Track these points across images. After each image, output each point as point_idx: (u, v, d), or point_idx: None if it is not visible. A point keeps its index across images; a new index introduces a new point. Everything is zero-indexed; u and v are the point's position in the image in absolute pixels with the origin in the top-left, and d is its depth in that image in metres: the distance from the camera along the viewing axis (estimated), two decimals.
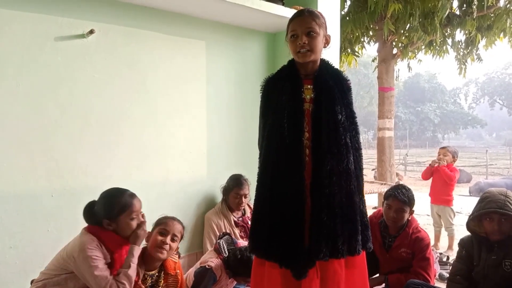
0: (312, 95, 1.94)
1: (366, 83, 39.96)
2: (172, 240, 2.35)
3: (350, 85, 2.07)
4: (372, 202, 7.40)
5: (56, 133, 2.73)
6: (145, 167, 3.17)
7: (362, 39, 7.70)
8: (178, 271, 2.45)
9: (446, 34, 7.24)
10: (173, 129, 3.33)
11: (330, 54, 3.41)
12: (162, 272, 2.40)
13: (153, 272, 2.37)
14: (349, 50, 7.57)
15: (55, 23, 2.70)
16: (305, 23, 1.91)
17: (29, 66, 2.61)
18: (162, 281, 2.39)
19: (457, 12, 7.00)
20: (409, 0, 6.22)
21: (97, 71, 2.90)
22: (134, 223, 2.19)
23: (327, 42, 2.02)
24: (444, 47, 7.45)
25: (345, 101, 1.96)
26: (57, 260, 2.13)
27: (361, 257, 1.98)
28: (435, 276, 3.36)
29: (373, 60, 8.83)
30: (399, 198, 2.94)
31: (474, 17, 6.47)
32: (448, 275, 2.86)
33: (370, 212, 3.65)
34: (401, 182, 6.16)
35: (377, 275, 3.08)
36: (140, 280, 2.27)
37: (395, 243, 3.00)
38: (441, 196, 4.97)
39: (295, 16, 1.97)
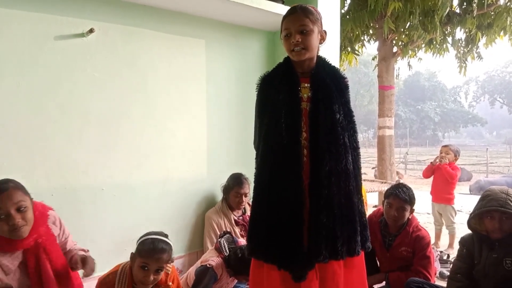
0: (309, 94, 1.90)
1: (366, 81, 39.96)
2: (156, 272, 2.16)
3: (348, 83, 2.02)
4: (372, 200, 7.40)
5: (56, 133, 2.73)
6: (145, 166, 3.17)
7: (362, 38, 7.70)
8: (170, 283, 2.31)
9: (446, 32, 7.23)
10: (173, 128, 3.32)
11: (330, 52, 3.44)
12: (154, 285, 2.27)
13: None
14: (349, 49, 7.57)
15: (55, 22, 2.70)
16: (298, 21, 1.86)
17: (29, 65, 2.61)
18: None
19: (457, 10, 6.99)
20: None
21: (97, 70, 2.89)
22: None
23: (322, 38, 1.97)
24: (444, 45, 7.44)
25: (342, 99, 1.93)
26: None
27: (360, 257, 1.96)
28: (435, 274, 3.36)
29: (373, 59, 8.82)
30: (400, 196, 2.94)
31: (474, 15, 6.46)
32: (448, 273, 2.86)
33: (370, 210, 3.66)
34: (401, 181, 6.16)
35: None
36: None
37: (395, 241, 3.00)
38: (443, 194, 4.97)
39: (288, 14, 1.92)
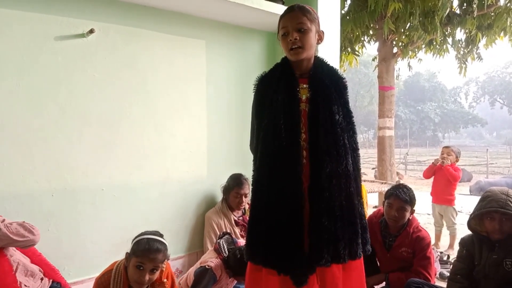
0: (308, 95, 1.88)
1: (366, 82, 39.96)
2: (152, 272, 2.17)
3: (346, 83, 1.99)
4: (372, 201, 7.40)
5: (56, 133, 2.72)
6: (145, 166, 3.16)
7: (362, 38, 7.70)
8: (165, 280, 2.32)
9: (446, 33, 7.24)
10: (173, 129, 3.32)
11: (331, 53, 3.43)
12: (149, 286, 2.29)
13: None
14: (349, 49, 7.57)
15: (55, 22, 2.70)
16: (295, 19, 1.84)
17: (29, 66, 2.61)
18: None
19: (458, 11, 7.00)
20: None
21: (97, 71, 2.89)
22: None
23: (320, 38, 1.94)
24: (445, 46, 7.45)
25: (341, 100, 1.90)
26: None
27: (359, 260, 1.93)
28: (435, 275, 3.36)
29: (373, 59, 8.83)
30: (400, 197, 2.94)
31: (475, 16, 6.46)
32: (448, 274, 2.86)
33: (370, 211, 3.66)
34: (401, 181, 6.17)
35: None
36: None
37: (395, 242, 2.99)
38: (444, 195, 4.97)
39: (285, 13, 1.90)
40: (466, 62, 7.84)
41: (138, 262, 2.13)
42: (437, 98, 45.20)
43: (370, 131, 45.86)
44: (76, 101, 2.81)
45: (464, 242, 2.62)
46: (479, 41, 7.22)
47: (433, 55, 7.62)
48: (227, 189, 3.45)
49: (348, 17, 6.80)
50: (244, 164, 3.59)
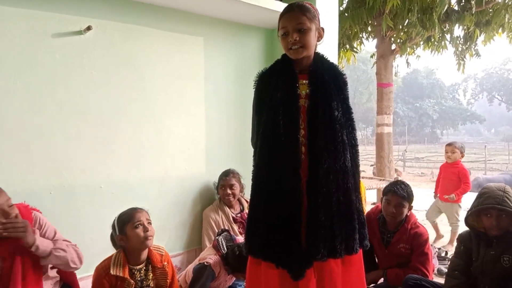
0: (307, 91, 1.89)
1: (364, 79, 39.94)
2: (149, 224, 2.37)
3: (346, 79, 2.01)
4: (371, 198, 7.41)
5: (54, 131, 2.72)
6: (143, 164, 3.16)
7: (360, 35, 7.69)
8: (165, 263, 2.44)
9: (444, 29, 7.23)
10: (171, 126, 3.32)
11: (329, 50, 3.43)
12: (150, 266, 2.39)
13: (140, 266, 2.37)
14: (347, 46, 7.57)
15: (52, 19, 2.69)
16: (295, 19, 1.84)
17: (26, 63, 2.60)
18: (151, 274, 2.39)
19: (456, 8, 6.99)
20: None
21: (94, 68, 2.89)
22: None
23: (320, 35, 1.95)
24: (443, 42, 7.45)
25: (341, 96, 1.92)
26: None
27: (358, 255, 1.96)
28: (433, 271, 3.37)
29: (371, 56, 8.82)
30: (398, 193, 2.95)
31: (473, 12, 6.46)
32: (446, 270, 2.87)
33: (368, 208, 3.67)
34: (399, 178, 6.18)
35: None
36: (128, 275, 2.27)
37: (393, 238, 3.01)
38: (451, 193, 4.93)
39: (284, 12, 1.90)
40: (465, 59, 7.84)
41: (135, 223, 2.31)
42: (435, 95, 45.17)
43: (368, 128, 45.86)
44: (74, 98, 2.80)
45: (462, 238, 2.63)
46: (477, 37, 7.23)
47: (431, 51, 7.62)
48: (217, 185, 3.47)
49: (346, 14, 6.80)
50: (242, 161, 3.59)
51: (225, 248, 2.84)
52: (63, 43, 2.74)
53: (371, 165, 12.79)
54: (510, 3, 6.52)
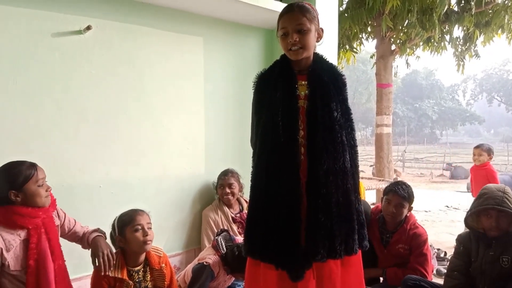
0: (306, 92, 1.89)
1: (364, 79, 39.98)
2: (150, 229, 2.35)
3: (345, 80, 2.01)
4: (370, 198, 7.42)
5: (52, 130, 2.72)
6: (142, 163, 3.16)
7: (360, 36, 7.69)
8: (163, 265, 2.43)
9: (444, 30, 7.23)
10: (170, 126, 3.32)
11: (328, 50, 3.43)
12: (147, 267, 2.39)
13: (138, 267, 2.36)
14: (347, 47, 7.57)
15: (52, 19, 2.69)
16: (295, 20, 1.84)
17: (25, 62, 2.60)
18: (149, 276, 2.39)
19: (455, 8, 6.99)
20: None
21: (94, 68, 2.89)
22: (42, 190, 2.10)
23: (319, 36, 1.95)
24: (442, 43, 7.45)
25: (340, 97, 1.91)
26: None
27: (357, 256, 1.95)
28: (432, 271, 3.37)
29: (371, 57, 8.82)
30: (399, 193, 2.95)
31: (472, 13, 6.47)
32: (445, 271, 2.87)
33: None
34: (399, 179, 6.18)
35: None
36: (126, 277, 2.27)
37: (392, 238, 3.01)
38: None
39: (284, 12, 1.90)
40: (464, 60, 7.84)
41: (134, 226, 2.30)
42: (435, 95, 45.20)
43: (368, 128, 45.92)
44: (73, 97, 2.80)
45: (461, 239, 2.63)
46: (477, 38, 7.23)
47: (431, 52, 7.63)
48: (216, 184, 3.47)
49: (346, 14, 6.80)
50: (242, 161, 3.59)
51: (225, 248, 2.84)
52: (62, 43, 2.74)
53: (371, 166, 12.81)
54: (509, 4, 6.53)
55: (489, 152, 4.94)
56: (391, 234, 3.03)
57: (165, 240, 3.28)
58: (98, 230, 2.42)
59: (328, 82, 1.90)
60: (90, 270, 2.38)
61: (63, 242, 2.29)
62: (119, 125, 3.03)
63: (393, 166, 8.43)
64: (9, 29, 2.53)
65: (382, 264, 3.08)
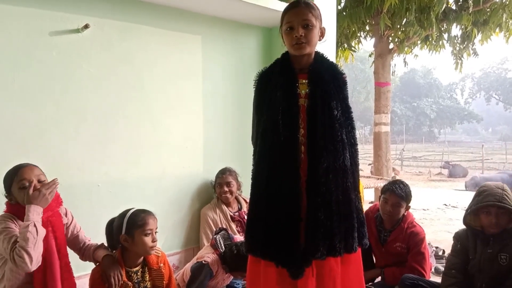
0: (307, 90, 1.90)
1: (362, 78, 39.95)
2: (156, 233, 2.36)
3: (346, 79, 2.02)
4: (368, 196, 7.43)
5: (51, 129, 2.71)
6: (141, 162, 3.16)
7: (358, 34, 7.71)
8: (162, 264, 2.43)
9: (442, 29, 7.25)
10: (169, 125, 3.32)
11: (327, 49, 3.42)
12: (146, 267, 2.38)
13: (136, 268, 2.35)
14: (345, 45, 7.58)
15: (50, 17, 2.68)
16: (302, 15, 1.85)
17: (23, 61, 2.59)
18: (148, 276, 2.38)
19: (453, 7, 7.00)
20: None
21: (92, 66, 2.88)
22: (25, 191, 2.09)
23: (322, 34, 1.96)
24: (440, 42, 7.47)
25: (340, 95, 1.92)
26: None
27: (357, 254, 1.96)
28: (430, 270, 3.37)
29: (369, 55, 8.83)
30: (396, 192, 2.95)
31: (470, 11, 6.48)
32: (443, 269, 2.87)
33: (366, 207, 3.67)
34: (397, 177, 6.18)
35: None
36: (125, 278, 2.26)
37: (390, 237, 3.01)
38: None
39: (290, 7, 1.91)
40: (462, 58, 7.86)
41: (146, 230, 2.27)
42: (433, 94, 45.20)
43: (366, 127, 45.87)
44: (72, 96, 2.80)
45: (458, 237, 2.64)
46: (475, 37, 7.24)
47: (429, 51, 7.64)
48: (214, 183, 3.47)
49: (344, 13, 6.80)
50: (240, 160, 3.59)
51: (223, 247, 2.84)
52: (60, 41, 2.73)
53: (369, 164, 12.82)
54: (507, 2, 6.54)
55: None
56: (388, 232, 3.04)
57: (163, 239, 3.28)
58: (103, 246, 2.41)
59: (328, 81, 1.91)
60: (88, 269, 2.38)
61: None
62: (117, 124, 3.02)
63: (392, 164, 8.44)
64: (7, 28, 2.53)
65: (380, 262, 3.09)
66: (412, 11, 6.32)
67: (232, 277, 2.99)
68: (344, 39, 7.44)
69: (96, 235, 2.89)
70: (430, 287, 2.73)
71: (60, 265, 2.15)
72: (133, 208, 2.37)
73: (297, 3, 1.90)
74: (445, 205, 7.89)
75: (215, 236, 2.92)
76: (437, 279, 2.94)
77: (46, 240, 2.08)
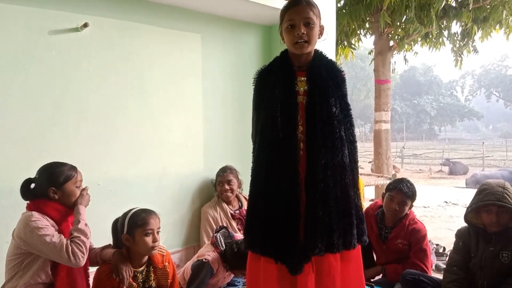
0: (305, 88, 1.91)
1: (363, 75, 39.94)
2: (158, 234, 2.33)
3: (344, 76, 2.02)
4: (369, 194, 7.42)
5: (51, 128, 2.71)
6: (141, 161, 3.16)
7: (358, 32, 7.69)
8: (166, 263, 2.43)
9: (442, 26, 7.24)
10: (169, 123, 3.32)
11: (327, 47, 3.42)
12: (151, 267, 2.38)
13: (141, 268, 2.36)
14: (345, 43, 7.57)
15: (49, 16, 2.68)
16: (303, 13, 1.85)
17: (23, 61, 2.59)
18: (153, 275, 2.38)
19: (453, 4, 6.99)
20: None
21: (92, 65, 2.88)
22: (78, 191, 2.23)
23: (321, 33, 1.97)
24: (440, 39, 7.45)
25: (339, 93, 1.93)
26: (10, 251, 2.11)
27: (356, 251, 1.97)
28: (431, 267, 3.38)
29: (369, 53, 8.81)
30: (403, 191, 2.96)
31: (470, 8, 6.46)
32: (444, 266, 2.87)
33: (366, 204, 3.67)
34: (398, 175, 6.18)
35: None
36: (131, 278, 2.26)
37: (391, 234, 3.01)
38: None
39: (291, 5, 1.90)
40: (462, 55, 7.84)
41: (146, 230, 2.26)
42: (433, 91, 45.18)
43: (366, 124, 45.88)
44: (72, 95, 2.79)
45: (460, 234, 2.64)
46: (475, 34, 7.23)
47: (429, 48, 7.63)
48: (215, 181, 3.47)
49: (344, 10, 6.79)
50: (241, 157, 3.59)
51: (224, 245, 2.85)
52: (60, 40, 2.73)
53: (370, 162, 12.80)
54: None
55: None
56: (389, 229, 3.04)
57: (164, 237, 3.27)
58: (110, 246, 2.42)
59: (326, 78, 1.92)
60: (93, 268, 2.38)
61: None
62: (117, 123, 3.02)
63: (392, 162, 8.44)
64: (6, 27, 2.52)
65: (381, 260, 3.09)
66: (412, 8, 6.30)
67: (233, 275, 2.99)
68: (344, 36, 7.43)
69: (96, 234, 2.89)
70: (431, 282, 2.73)
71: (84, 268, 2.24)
72: (136, 208, 2.37)
73: (298, 1, 1.90)
74: (446, 202, 7.90)
75: (215, 234, 2.92)
76: (438, 276, 2.94)
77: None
